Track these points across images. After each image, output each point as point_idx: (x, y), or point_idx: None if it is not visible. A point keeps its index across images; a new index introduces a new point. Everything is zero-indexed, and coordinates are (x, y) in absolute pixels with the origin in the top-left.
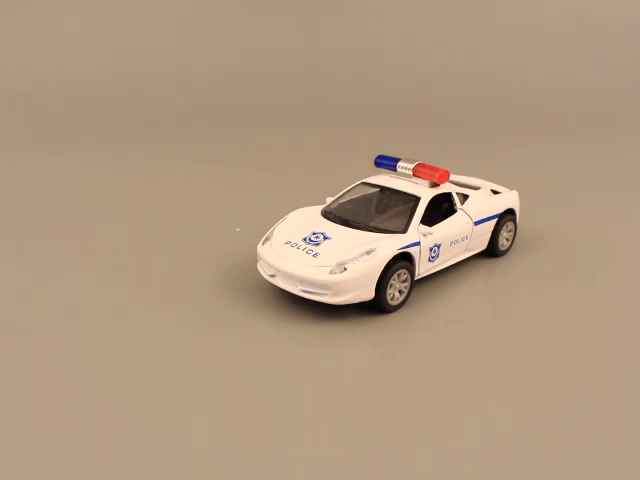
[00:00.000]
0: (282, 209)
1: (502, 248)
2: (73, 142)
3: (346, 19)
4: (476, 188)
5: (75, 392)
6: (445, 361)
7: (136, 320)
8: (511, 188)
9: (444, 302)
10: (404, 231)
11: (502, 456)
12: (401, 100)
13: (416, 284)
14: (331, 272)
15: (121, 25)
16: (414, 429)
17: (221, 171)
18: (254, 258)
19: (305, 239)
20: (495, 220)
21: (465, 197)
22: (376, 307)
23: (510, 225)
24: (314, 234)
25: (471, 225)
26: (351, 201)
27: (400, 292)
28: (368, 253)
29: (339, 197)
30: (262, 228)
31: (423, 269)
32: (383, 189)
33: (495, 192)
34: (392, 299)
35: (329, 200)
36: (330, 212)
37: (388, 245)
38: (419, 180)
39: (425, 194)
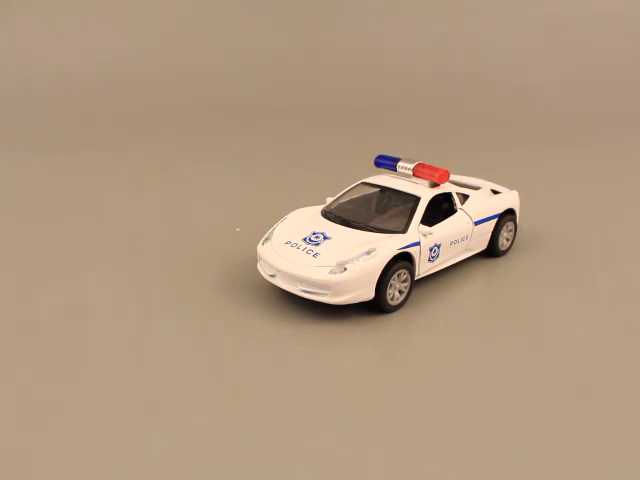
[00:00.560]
0: (282, 209)
1: (502, 248)
2: (73, 142)
3: (346, 19)
4: (476, 188)
5: (75, 392)
6: (445, 361)
7: (136, 320)
8: (511, 188)
9: (444, 302)
10: (404, 231)
11: (502, 456)
12: (401, 100)
13: (416, 284)
14: (331, 272)
15: (121, 25)
16: (414, 429)
17: (221, 171)
18: (254, 258)
19: (305, 239)
20: (495, 220)
21: (465, 197)
22: (376, 307)
23: (510, 225)
24: (314, 234)
25: (471, 225)
26: (351, 201)
27: (400, 292)
28: (368, 253)
29: (339, 197)
30: (262, 228)
31: (423, 269)
32: (383, 189)
33: (495, 192)
34: (392, 299)
35: (329, 200)
36: (330, 212)
37: (388, 245)
38: (419, 180)
39: (425, 194)
